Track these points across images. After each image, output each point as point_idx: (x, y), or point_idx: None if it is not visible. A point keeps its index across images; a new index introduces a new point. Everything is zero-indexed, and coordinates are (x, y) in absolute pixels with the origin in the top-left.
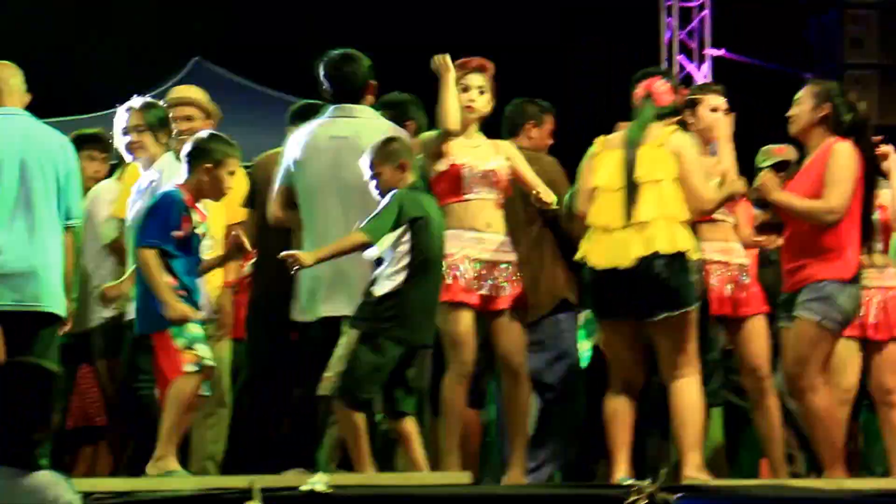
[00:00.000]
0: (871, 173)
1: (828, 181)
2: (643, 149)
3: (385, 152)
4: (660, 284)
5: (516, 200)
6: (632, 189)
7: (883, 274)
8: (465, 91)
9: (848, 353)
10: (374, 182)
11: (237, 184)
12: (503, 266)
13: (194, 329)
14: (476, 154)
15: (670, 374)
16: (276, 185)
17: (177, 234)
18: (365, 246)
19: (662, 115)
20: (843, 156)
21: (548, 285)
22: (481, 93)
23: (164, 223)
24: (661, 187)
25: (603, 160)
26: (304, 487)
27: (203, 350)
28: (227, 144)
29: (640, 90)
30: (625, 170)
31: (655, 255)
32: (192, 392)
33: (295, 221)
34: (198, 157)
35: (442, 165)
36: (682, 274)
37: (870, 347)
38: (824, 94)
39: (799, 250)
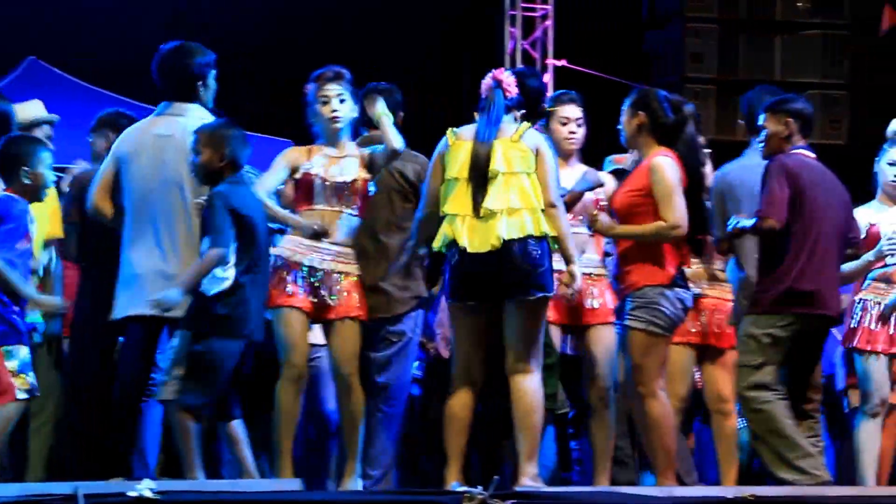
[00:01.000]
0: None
1: (659, 198)
2: (499, 142)
3: (212, 134)
4: (519, 268)
5: (393, 198)
6: (486, 180)
7: (721, 284)
8: (326, 103)
9: (682, 362)
10: (192, 160)
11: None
12: (336, 276)
13: (24, 352)
14: (334, 165)
15: (514, 366)
16: (102, 174)
17: (21, 244)
18: (222, 258)
19: (509, 108)
20: (663, 170)
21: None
22: (342, 101)
23: (14, 231)
24: (519, 179)
25: (455, 151)
26: (130, 493)
27: (31, 377)
28: (37, 142)
29: (488, 80)
30: (477, 161)
31: (516, 240)
32: (13, 417)
33: (115, 216)
34: (13, 160)
35: (297, 174)
36: (541, 259)
37: (706, 356)
38: (640, 102)
39: (623, 259)
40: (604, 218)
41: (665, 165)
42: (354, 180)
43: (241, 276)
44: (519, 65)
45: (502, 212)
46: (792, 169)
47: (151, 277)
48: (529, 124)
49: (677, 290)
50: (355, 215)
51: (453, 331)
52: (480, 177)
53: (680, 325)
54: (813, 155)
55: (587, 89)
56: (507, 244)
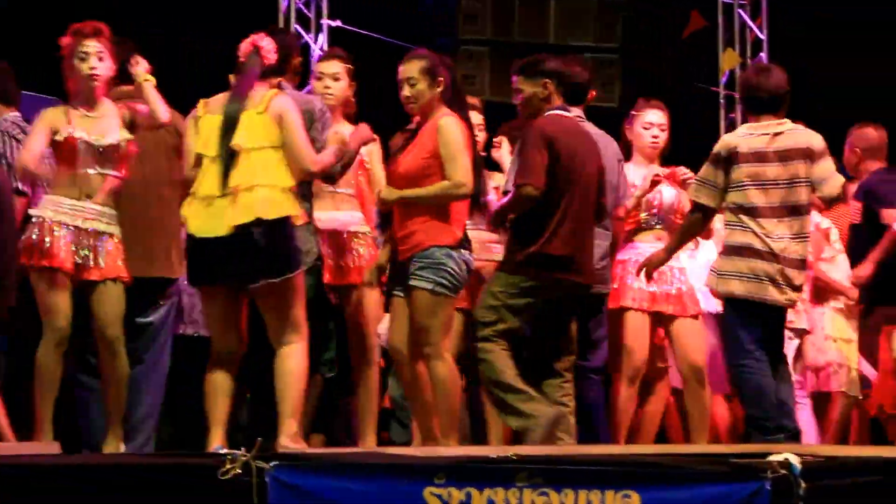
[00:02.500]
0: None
1: (445, 158)
2: (245, 115)
3: None
4: (260, 251)
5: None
6: (230, 156)
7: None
8: (84, 60)
9: (638, 330)
10: None
11: None
12: (100, 237)
13: None
14: (95, 127)
15: (276, 341)
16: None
17: None
18: None
19: (266, 74)
20: (450, 130)
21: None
22: (100, 59)
23: None
24: (263, 154)
25: (204, 125)
26: None
27: None
28: None
29: (246, 45)
30: (223, 136)
31: (256, 222)
32: None
33: None
34: None
35: (59, 136)
36: (283, 240)
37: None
38: (436, 67)
39: (406, 218)
40: (388, 190)
41: (452, 126)
42: (118, 143)
43: None
44: (293, 25)
45: (244, 192)
46: (549, 133)
47: None
48: (277, 91)
49: (462, 251)
50: (119, 177)
51: (204, 310)
52: (226, 154)
53: (464, 285)
54: (573, 115)
55: (362, 50)
56: (246, 227)
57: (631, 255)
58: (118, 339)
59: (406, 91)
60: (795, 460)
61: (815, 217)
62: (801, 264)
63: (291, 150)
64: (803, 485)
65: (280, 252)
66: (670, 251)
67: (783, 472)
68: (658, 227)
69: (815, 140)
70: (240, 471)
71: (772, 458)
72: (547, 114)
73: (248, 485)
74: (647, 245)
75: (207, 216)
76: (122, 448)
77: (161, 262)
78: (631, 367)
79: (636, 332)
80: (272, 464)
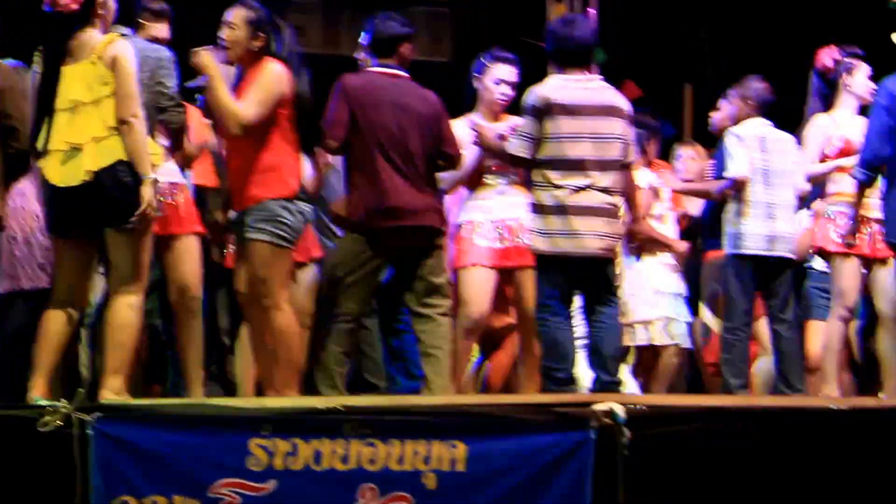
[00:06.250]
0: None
1: (250, 91)
2: (79, 66)
3: None
4: (111, 198)
5: None
6: (65, 109)
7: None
8: None
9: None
10: None
11: None
12: None
13: None
14: None
15: (115, 288)
16: None
17: None
18: None
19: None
20: (273, 73)
21: None
22: None
23: None
24: (97, 106)
25: (44, 79)
26: None
27: None
28: None
29: None
30: (52, 89)
31: (102, 170)
32: None
33: None
34: None
35: None
36: (132, 188)
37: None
38: (260, 23)
39: (241, 171)
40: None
41: (277, 70)
42: None
43: None
44: None
45: (90, 143)
46: (352, 88)
47: None
48: (117, 36)
49: (298, 202)
50: None
51: (56, 260)
52: (53, 106)
53: (300, 236)
54: (394, 72)
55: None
56: (95, 175)
57: (475, 215)
58: None
59: (224, 33)
60: (620, 410)
61: (648, 175)
62: (611, 214)
63: (118, 96)
64: (627, 434)
65: (127, 199)
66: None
67: (608, 421)
68: (503, 183)
69: (623, 102)
70: (60, 423)
71: (597, 407)
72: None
73: (70, 437)
74: (491, 202)
75: (60, 166)
76: None
77: None
78: (468, 319)
79: (476, 286)
80: (94, 415)
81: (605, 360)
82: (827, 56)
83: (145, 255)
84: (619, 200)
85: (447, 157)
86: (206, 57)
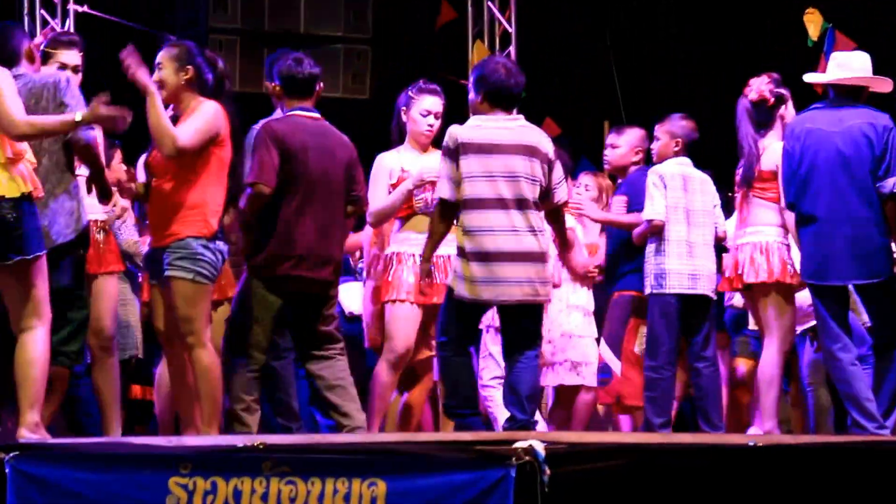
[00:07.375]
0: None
1: (188, 120)
2: None
3: None
4: (4, 229)
5: None
6: None
7: None
8: None
9: (403, 319)
10: None
11: None
12: None
13: None
14: None
15: (17, 325)
16: None
17: None
18: None
19: None
20: (210, 110)
21: None
22: None
23: None
24: None
25: None
26: None
27: None
28: None
29: None
30: None
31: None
32: None
33: None
34: None
35: None
36: (17, 221)
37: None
38: (185, 57)
39: (162, 208)
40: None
41: (213, 108)
42: None
43: None
44: (39, 10)
45: None
46: (279, 133)
47: None
48: None
49: (217, 242)
50: None
51: None
52: None
53: (220, 275)
54: (314, 115)
55: (109, 36)
56: None
57: (404, 248)
58: None
59: (154, 76)
60: (540, 447)
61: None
62: (536, 258)
63: None
64: (548, 471)
65: (12, 234)
66: (428, 254)
67: (528, 458)
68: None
69: (546, 142)
70: None
71: (517, 444)
72: (286, 115)
73: None
74: (418, 234)
75: None
76: None
77: None
78: (394, 353)
79: (402, 320)
80: (12, 454)
81: (520, 399)
82: (764, 86)
83: (39, 286)
84: (544, 242)
85: (356, 200)
86: (144, 76)
